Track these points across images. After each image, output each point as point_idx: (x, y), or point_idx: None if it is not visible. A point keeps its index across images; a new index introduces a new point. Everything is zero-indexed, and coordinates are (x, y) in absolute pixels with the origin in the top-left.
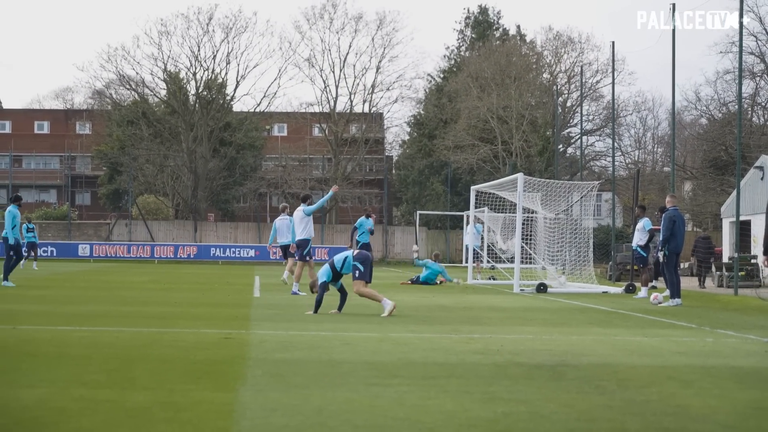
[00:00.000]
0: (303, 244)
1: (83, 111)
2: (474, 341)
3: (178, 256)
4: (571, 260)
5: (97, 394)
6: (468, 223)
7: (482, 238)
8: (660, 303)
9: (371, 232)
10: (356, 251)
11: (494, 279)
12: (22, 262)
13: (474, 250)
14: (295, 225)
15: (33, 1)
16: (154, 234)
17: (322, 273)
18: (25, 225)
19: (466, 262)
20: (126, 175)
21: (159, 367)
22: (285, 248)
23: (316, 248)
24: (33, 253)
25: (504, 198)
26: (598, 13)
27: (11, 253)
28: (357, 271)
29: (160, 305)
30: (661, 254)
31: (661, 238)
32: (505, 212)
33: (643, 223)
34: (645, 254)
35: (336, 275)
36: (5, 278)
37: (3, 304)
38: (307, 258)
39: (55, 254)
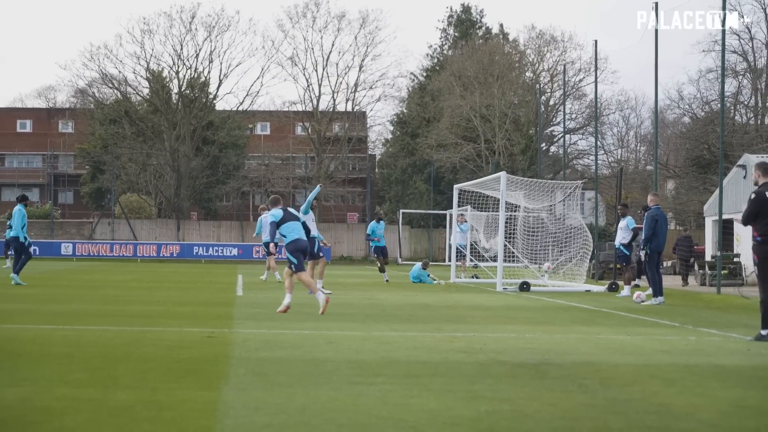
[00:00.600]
0: (311, 242)
1: (66, 110)
2: (457, 340)
3: (161, 255)
4: (554, 259)
5: (81, 393)
6: (457, 221)
7: (467, 237)
8: (643, 301)
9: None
10: (288, 243)
11: (477, 278)
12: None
13: (458, 248)
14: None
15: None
16: (137, 233)
17: None
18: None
19: (449, 260)
20: (109, 174)
21: (142, 366)
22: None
23: None
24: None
25: (487, 196)
26: (580, 12)
27: (19, 251)
28: (293, 265)
29: (143, 304)
30: (642, 253)
31: (643, 237)
32: (489, 211)
33: (626, 222)
34: (628, 253)
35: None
36: (16, 272)
37: None
38: (320, 255)
39: (37, 253)
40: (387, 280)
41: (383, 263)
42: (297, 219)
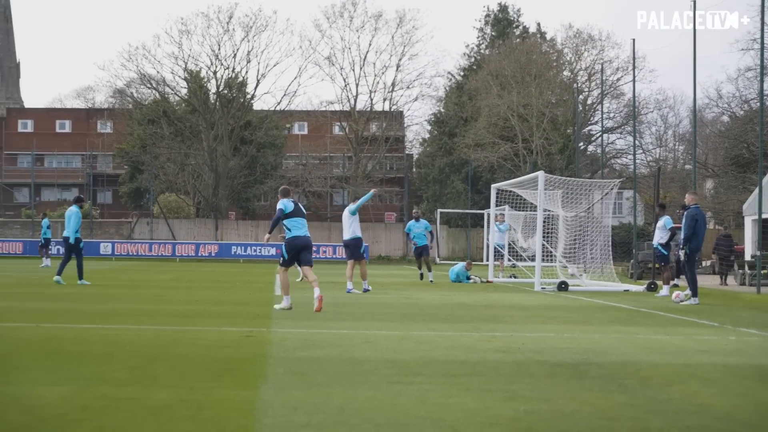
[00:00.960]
0: (356, 243)
1: (104, 110)
2: (495, 339)
3: (200, 255)
4: (592, 258)
5: (120, 391)
6: (495, 220)
7: (505, 237)
8: (682, 301)
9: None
10: (289, 238)
11: (515, 277)
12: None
13: (496, 248)
14: (344, 225)
15: (55, 1)
16: (175, 232)
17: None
18: (46, 220)
19: (488, 260)
20: (147, 174)
21: (181, 365)
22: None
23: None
24: (46, 250)
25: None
26: (618, 11)
27: (71, 252)
28: (281, 258)
29: (182, 303)
30: (682, 253)
31: (683, 237)
32: (526, 210)
33: (664, 222)
34: (666, 252)
35: None
36: (79, 277)
37: (26, 302)
38: (365, 256)
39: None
40: (432, 281)
41: (421, 264)
42: (304, 215)
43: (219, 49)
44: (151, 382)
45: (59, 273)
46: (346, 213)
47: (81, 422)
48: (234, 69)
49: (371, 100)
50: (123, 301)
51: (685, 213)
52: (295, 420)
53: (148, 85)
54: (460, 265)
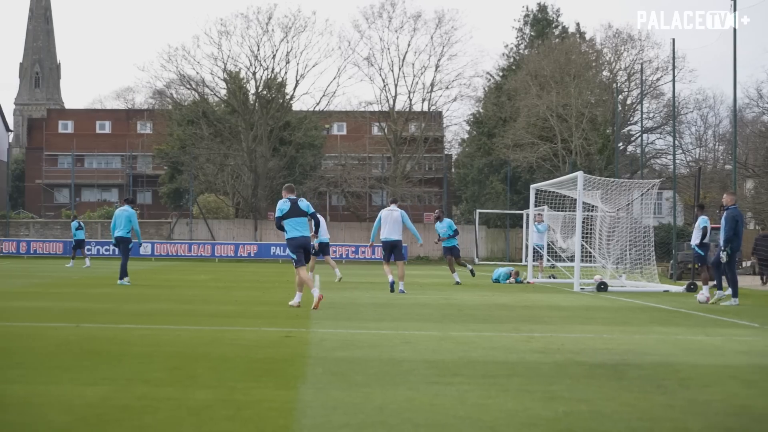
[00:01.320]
0: (397, 244)
1: (144, 111)
2: (535, 340)
3: (239, 255)
4: (632, 259)
5: (159, 391)
6: (534, 221)
7: (544, 237)
8: (707, 301)
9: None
10: (289, 239)
11: (554, 278)
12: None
13: (535, 248)
14: (391, 225)
15: (95, 3)
16: (214, 233)
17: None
18: (75, 222)
19: (527, 260)
20: (187, 174)
21: (220, 365)
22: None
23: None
24: (81, 251)
25: (564, 196)
26: (657, 11)
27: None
28: (293, 260)
29: (221, 303)
30: (723, 254)
31: (724, 238)
32: (565, 211)
33: (699, 222)
34: (703, 253)
35: None
36: (124, 275)
37: (66, 302)
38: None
39: (116, 253)
40: (458, 282)
41: (450, 263)
42: (303, 215)
43: (258, 49)
44: (190, 382)
45: (121, 276)
46: (396, 215)
47: (121, 422)
48: (273, 70)
49: (410, 100)
50: (162, 301)
51: (725, 214)
52: (334, 420)
53: (188, 86)
54: (505, 270)
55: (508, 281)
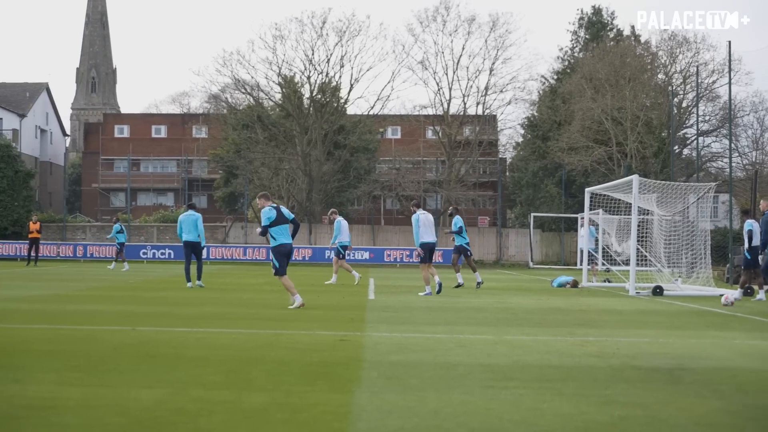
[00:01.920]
0: (433, 247)
1: (199, 115)
2: (589, 344)
3: (293, 259)
4: (687, 263)
5: (215, 394)
6: (582, 225)
7: (596, 241)
8: (731, 304)
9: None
10: (275, 245)
11: (609, 281)
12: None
13: (589, 252)
14: (429, 228)
15: (150, 8)
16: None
17: None
18: (117, 225)
19: (581, 264)
20: (242, 178)
21: (275, 369)
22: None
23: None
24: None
25: (619, 200)
26: (713, 13)
27: (199, 255)
28: (274, 268)
29: (276, 307)
30: (760, 258)
31: (761, 241)
32: (620, 214)
33: (746, 226)
34: (749, 256)
35: None
36: (199, 277)
37: (122, 305)
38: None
39: (172, 257)
40: (459, 284)
41: (461, 263)
42: (287, 221)
43: (312, 54)
44: (246, 385)
45: (199, 277)
46: (431, 218)
47: (176, 425)
48: (327, 74)
49: (464, 104)
50: (218, 304)
51: (762, 219)
52: (389, 424)
53: (243, 90)
54: (565, 278)
55: (568, 285)
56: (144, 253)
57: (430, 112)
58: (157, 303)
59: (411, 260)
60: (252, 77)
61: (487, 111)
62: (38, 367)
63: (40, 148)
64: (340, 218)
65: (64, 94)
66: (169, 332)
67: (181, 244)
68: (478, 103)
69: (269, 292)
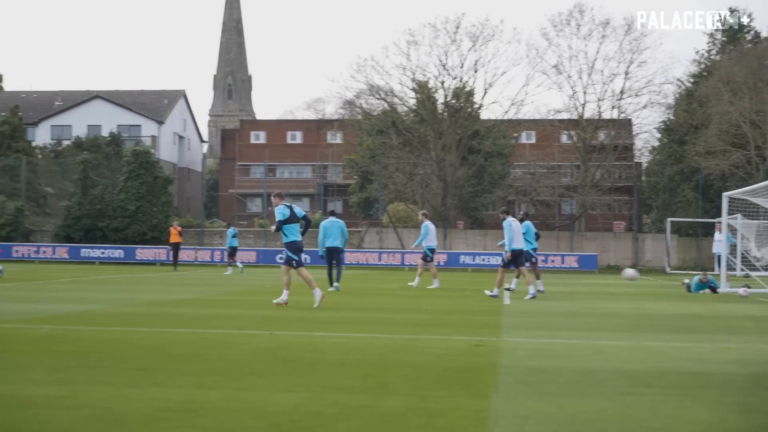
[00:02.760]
0: (522, 252)
1: (334, 121)
2: (729, 351)
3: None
4: None
5: (352, 399)
6: (719, 231)
7: (733, 246)
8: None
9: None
10: (290, 242)
11: (749, 287)
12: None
13: (727, 258)
14: (516, 234)
15: (285, 15)
16: (404, 241)
17: None
18: (231, 229)
19: (718, 269)
20: (376, 184)
21: (412, 374)
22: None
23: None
24: (233, 258)
25: (758, 205)
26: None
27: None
28: (294, 262)
29: (411, 312)
30: None
31: None
32: (760, 219)
33: None
34: None
35: None
36: (337, 280)
37: (259, 309)
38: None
39: (308, 261)
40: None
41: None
42: (299, 220)
43: (446, 59)
44: (382, 390)
45: (338, 279)
46: (517, 225)
47: (314, 429)
48: (461, 79)
49: (599, 108)
50: (354, 309)
51: None
52: (526, 430)
53: (377, 96)
54: (695, 279)
55: (702, 291)
56: (280, 258)
57: (565, 116)
58: (292, 307)
59: (546, 265)
60: (386, 83)
61: (623, 115)
62: (178, 371)
63: (178, 154)
64: (427, 222)
65: (202, 101)
66: (307, 336)
67: (316, 250)
68: (613, 107)
69: (404, 296)
